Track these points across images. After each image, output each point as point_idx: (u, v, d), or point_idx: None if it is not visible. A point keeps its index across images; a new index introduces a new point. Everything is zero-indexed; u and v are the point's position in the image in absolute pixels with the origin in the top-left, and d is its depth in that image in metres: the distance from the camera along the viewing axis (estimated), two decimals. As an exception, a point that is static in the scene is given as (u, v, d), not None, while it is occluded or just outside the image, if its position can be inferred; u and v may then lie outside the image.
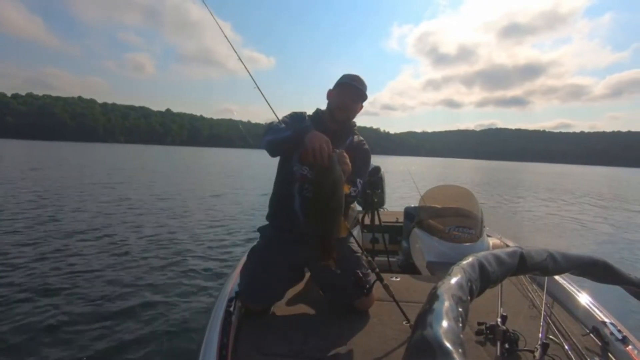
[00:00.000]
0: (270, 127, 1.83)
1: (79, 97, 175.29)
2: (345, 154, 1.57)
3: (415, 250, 2.77)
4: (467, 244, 2.55)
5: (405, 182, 15.83)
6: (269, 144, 1.80)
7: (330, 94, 1.94)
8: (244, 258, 2.05)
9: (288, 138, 1.73)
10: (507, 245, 2.64)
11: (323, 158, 1.48)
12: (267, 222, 2.01)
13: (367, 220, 3.22)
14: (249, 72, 2.06)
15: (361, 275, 1.71)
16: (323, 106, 2.00)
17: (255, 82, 2.04)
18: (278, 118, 1.92)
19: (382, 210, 3.30)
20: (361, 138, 2.01)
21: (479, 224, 2.73)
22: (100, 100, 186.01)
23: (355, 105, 1.91)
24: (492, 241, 2.78)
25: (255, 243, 2.00)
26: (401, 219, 3.27)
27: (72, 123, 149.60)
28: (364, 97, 1.90)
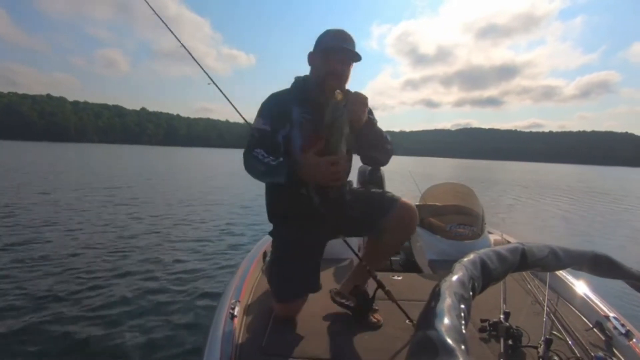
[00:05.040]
0: (256, 158, 1.55)
1: (48, 95, 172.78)
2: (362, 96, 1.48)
3: (416, 248, 2.84)
4: (469, 241, 2.63)
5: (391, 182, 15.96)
6: (256, 178, 1.61)
7: (314, 60, 1.71)
8: (247, 259, 2.09)
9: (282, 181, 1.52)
10: (509, 242, 2.70)
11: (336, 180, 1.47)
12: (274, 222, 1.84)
13: None
14: (205, 72, 1.92)
15: (367, 290, 1.76)
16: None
17: (215, 84, 1.91)
18: (245, 119, 1.79)
19: None
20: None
21: (480, 221, 2.80)
22: (70, 99, 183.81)
23: (348, 68, 1.68)
24: (493, 238, 2.85)
25: (271, 240, 1.88)
26: None
27: (41, 122, 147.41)
28: (357, 57, 1.67)
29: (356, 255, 1.90)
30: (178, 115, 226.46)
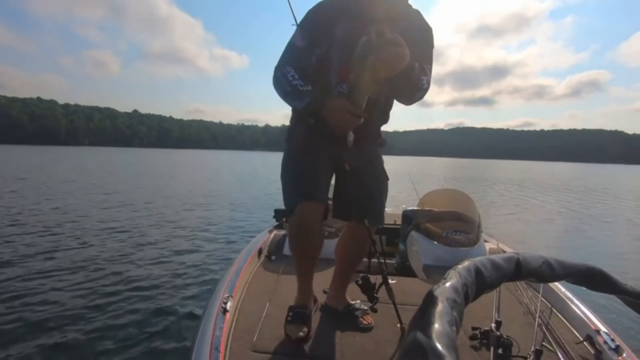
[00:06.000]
0: (285, 76, 1.44)
1: (38, 98, 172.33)
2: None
3: (412, 253, 2.86)
4: (464, 248, 2.66)
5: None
6: (280, 96, 1.48)
7: None
8: (242, 255, 2.14)
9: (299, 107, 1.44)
10: (504, 251, 2.73)
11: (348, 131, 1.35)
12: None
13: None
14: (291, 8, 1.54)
15: (369, 277, 1.78)
16: None
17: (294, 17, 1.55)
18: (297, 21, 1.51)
19: None
20: (417, 10, 1.53)
21: (477, 228, 2.83)
22: (60, 101, 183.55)
23: None
24: (489, 246, 2.88)
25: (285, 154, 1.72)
26: (399, 222, 3.37)
27: (32, 125, 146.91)
28: None
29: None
30: (171, 117, 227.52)
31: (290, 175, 1.64)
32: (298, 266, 1.68)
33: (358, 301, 1.83)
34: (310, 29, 1.46)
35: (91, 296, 3.42)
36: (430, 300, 0.58)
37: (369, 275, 1.83)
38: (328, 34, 1.45)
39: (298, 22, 1.51)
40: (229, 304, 1.64)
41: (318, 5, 1.51)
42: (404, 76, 1.27)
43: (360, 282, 1.80)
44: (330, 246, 2.18)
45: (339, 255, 1.85)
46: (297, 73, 1.43)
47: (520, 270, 1.08)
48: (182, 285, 3.79)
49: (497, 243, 2.99)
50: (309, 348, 1.51)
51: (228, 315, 1.58)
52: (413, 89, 1.40)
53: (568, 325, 1.80)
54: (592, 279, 1.33)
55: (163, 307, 3.25)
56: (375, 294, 1.77)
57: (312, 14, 1.49)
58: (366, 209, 1.66)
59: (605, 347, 1.50)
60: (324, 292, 1.96)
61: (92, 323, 2.92)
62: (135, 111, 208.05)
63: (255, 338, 1.54)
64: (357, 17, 1.42)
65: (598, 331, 1.59)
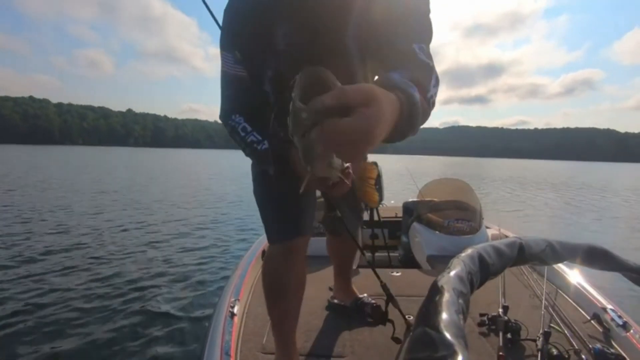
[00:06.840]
0: (235, 131, 1.07)
1: (30, 97, 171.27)
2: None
3: (415, 244, 2.89)
4: (467, 236, 2.68)
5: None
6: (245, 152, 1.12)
7: None
8: (245, 257, 2.14)
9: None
10: (506, 236, 2.75)
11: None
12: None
13: (365, 216, 3.31)
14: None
15: (378, 306, 1.73)
16: None
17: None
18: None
19: (380, 206, 3.41)
20: None
21: (478, 216, 2.85)
22: (54, 101, 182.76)
23: None
24: (491, 232, 2.90)
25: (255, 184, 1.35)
26: (400, 214, 3.39)
27: (24, 125, 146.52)
28: None
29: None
30: (165, 117, 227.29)
31: (269, 199, 1.28)
32: (278, 311, 1.36)
33: (365, 295, 1.85)
34: (242, 45, 1.00)
35: (95, 302, 3.42)
36: (435, 291, 0.58)
37: (375, 300, 1.79)
38: (268, 42, 0.99)
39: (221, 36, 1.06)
40: (236, 308, 1.66)
41: (240, 3, 1.01)
42: (400, 123, 0.59)
43: (370, 312, 1.76)
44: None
45: (330, 252, 1.85)
46: (248, 122, 1.05)
47: (523, 254, 1.09)
48: (188, 290, 3.80)
49: (499, 228, 3.01)
50: (319, 345, 1.53)
51: (236, 319, 1.60)
52: (422, 119, 0.70)
53: (575, 305, 1.83)
54: (595, 258, 1.34)
55: (169, 312, 3.26)
56: (388, 319, 1.67)
57: (237, 19, 1.00)
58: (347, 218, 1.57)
59: (612, 324, 1.53)
60: (330, 289, 1.98)
61: (98, 329, 2.92)
62: (129, 110, 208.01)
63: (264, 340, 1.56)
64: (297, 10, 0.95)
65: (605, 309, 1.62)
